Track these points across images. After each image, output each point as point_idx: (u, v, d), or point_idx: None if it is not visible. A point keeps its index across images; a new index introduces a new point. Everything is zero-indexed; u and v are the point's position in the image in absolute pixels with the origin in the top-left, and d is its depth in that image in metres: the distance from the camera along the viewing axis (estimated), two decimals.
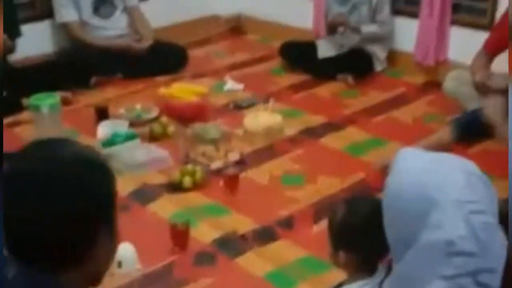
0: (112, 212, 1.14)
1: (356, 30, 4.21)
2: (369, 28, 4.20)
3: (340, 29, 4.30)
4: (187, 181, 3.02)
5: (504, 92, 3.15)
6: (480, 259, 1.22)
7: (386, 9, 4.24)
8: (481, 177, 1.33)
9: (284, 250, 2.60)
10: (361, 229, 1.78)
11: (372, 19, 4.24)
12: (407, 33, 4.27)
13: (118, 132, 3.40)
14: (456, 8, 4.11)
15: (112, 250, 1.17)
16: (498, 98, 2.93)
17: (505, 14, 3.41)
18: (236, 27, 5.20)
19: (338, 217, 1.86)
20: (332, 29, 4.34)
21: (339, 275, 1.96)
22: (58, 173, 1.05)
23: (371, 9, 4.23)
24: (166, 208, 2.90)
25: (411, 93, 4.01)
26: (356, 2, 4.24)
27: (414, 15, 4.23)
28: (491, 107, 2.99)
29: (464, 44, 3.97)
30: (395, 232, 1.35)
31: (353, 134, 3.52)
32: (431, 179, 1.32)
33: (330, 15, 4.35)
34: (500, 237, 1.26)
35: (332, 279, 2.15)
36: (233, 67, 4.50)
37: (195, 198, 2.97)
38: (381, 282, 1.76)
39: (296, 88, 4.15)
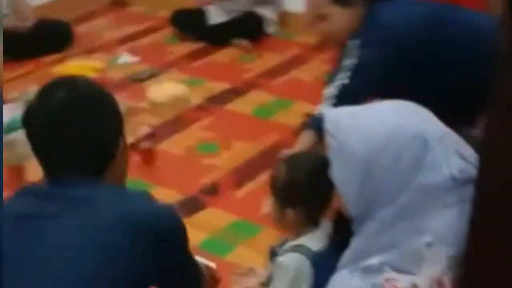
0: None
1: None
2: None
3: None
4: None
5: None
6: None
7: None
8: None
9: (214, 218, 2.61)
10: (306, 184, 1.81)
11: None
12: None
13: (15, 118, 3.22)
14: None
15: (127, 160, 1.49)
16: None
17: None
18: (119, 0, 5.04)
19: (282, 175, 1.88)
20: None
21: (272, 234, 2.02)
22: (92, 97, 1.37)
23: None
24: None
25: (307, 53, 4.09)
26: None
27: None
28: None
29: None
30: (386, 182, 1.37)
31: (258, 97, 3.56)
32: (414, 125, 1.38)
33: None
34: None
35: (266, 240, 2.20)
36: (123, 40, 4.38)
37: None
38: (327, 233, 1.82)
39: (193, 56, 4.11)
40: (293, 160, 1.94)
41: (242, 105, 3.48)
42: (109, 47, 4.25)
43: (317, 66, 3.91)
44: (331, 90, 2.33)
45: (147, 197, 1.39)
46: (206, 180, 2.83)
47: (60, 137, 1.33)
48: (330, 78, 2.40)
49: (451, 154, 1.35)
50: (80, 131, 1.34)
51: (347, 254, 1.47)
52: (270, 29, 4.36)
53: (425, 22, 2.34)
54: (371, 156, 1.36)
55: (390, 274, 1.36)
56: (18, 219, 1.30)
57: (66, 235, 1.27)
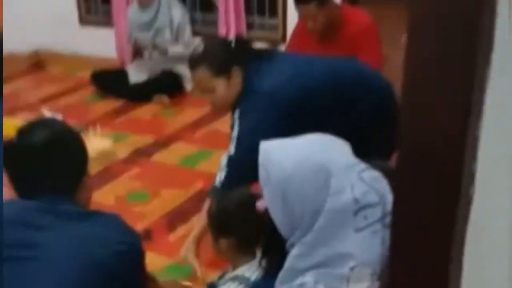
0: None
1: (164, 51, 4.46)
2: (175, 49, 4.48)
3: (146, 53, 4.52)
4: None
5: None
6: (382, 205, 1.49)
7: (187, 31, 4.55)
8: (345, 144, 1.63)
9: (151, 260, 2.74)
10: (234, 213, 2.04)
11: (176, 42, 4.53)
12: None
13: None
14: (250, 25, 4.54)
15: (91, 185, 1.81)
16: None
17: (296, 26, 3.87)
18: (36, 63, 5.16)
19: (214, 209, 2.11)
20: (138, 54, 4.55)
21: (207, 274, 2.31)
22: (64, 140, 1.69)
23: (174, 32, 4.51)
24: None
25: None
26: (159, 26, 4.49)
27: (213, 36, 4.58)
28: None
29: None
30: (300, 207, 1.52)
31: (181, 148, 3.76)
32: (317, 149, 1.57)
33: (134, 41, 4.55)
34: (386, 185, 1.54)
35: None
36: (45, 100, 4.51)
37: None
38: (260, 261, 2.02)
39: (115, 113, 4.29)
40: (223, 195, 2.17)
41: (167, 156, 3.67)
42: (32, 106, 4.36)
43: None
44: (222, 162, 2.60)
45: (117, 222, 1.70)
46: (139, 226, 2.97)
47: (43, 165, 1.64)
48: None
49: (355, 181, 1.49)
50: (57, 162, 1.65)
51: (281, 274, 1.64)
52: (188, 85, 4.61)
53: (300, 81, 2.58)
54: (283, 185, 1.52)
55: None
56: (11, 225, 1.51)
57: (55, 245, 1.51)
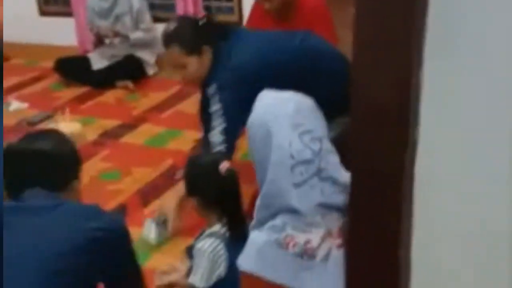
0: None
1: (125, 37, 4.58)
2: (136, 35, 4.60)
3: (107, 40, 4.63)
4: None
5: None
6: (316, 162, 1.70)
7: (147, 17, 4.68)
8: (310, 106, 1.81)
9: None
10: (199, 175, 2.29)
11: (136, 28, 4.65)
12: None
13: None
14: (207, 9, 4.69)
15: (80, 190, 1.97)
16: None
17: (252, 7, 4.04)
18: None
19: (184, 171, 2.34)
20: (99, 41, 4.66)
21: (182, 241, 2.54)
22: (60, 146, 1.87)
23: (134, 18, 4.63)
24: None
25: (186, 89, 4.49)
26: (118, 13, 4.60)
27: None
28: None
29: None
30: (254, 159, 1.76)
31: (148, 130, 3.91)
32: (269, 111, 1.77)
33: (95, 28, 4.65)
34: (327, 145, 1.74)
35: (177, 245, 2.59)
36: (10, 90, 4.58)
37: None
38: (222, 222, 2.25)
39: (80, 99, 4.40)
40: (194, 158, 2.39)
41: (135, 137, 3.81)
42: None
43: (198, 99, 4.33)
44: (216, 138, 2.74)
45: (97, 210, 1.76)
46: (114, 203, 3.13)
47: (35, 166, 1.79)
48: (206, 127, 2.83)
49: (294, 139, 1.68)
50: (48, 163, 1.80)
51: (254, 221, 1.87)
52: (150, 70, 4.74)
53: (264, 56, 2.81)
54: (249, 138, 1.78)
55: (290, 232, 1.75)
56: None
57: (34, 233, 1.60)
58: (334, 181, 1.71)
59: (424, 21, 1.07)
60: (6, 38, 5.12)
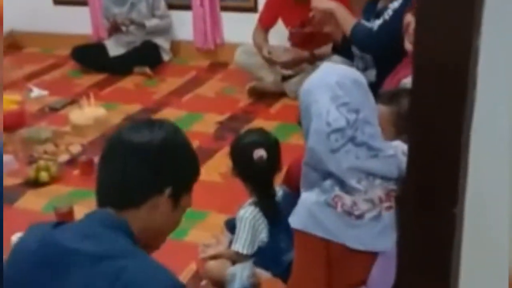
0: (183, 190, 1.45)
1: (141, 25, 4.64)
2: (152, 22, 4.66)
3: (123, 28, 4.68)
4: (43, 175, 3.22)
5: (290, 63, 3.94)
6: (351, 130, 1.80)
7: (162, 4, 4.73)
8: (354, 80, 1.90)
9: None
10: (236, 151, 2.42)
11: (151, 15, 4.71)
12: (184, 24, 4.81)
13: None
14: None
15: (172, 219, 1.45)
16: None
17: None
18: (12, 44, 5.25)
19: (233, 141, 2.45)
20: (115, 29, 4.71)
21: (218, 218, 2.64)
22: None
23: (149, 5, 4.68)
24: (35, 202, 3.08)
25: (202, 74, 4.58)
26: (134, 0, 4.65)
27: (187, 7, 4.78)
28: None
29: (236, 26, 4.64)
30: (303, 125, 1.89)
31: (171, 113, 3.95)
32: (315, 82, 1.89)
33: (111, 17, 4.71)
34: (366, 116, 1.84)
35: (214, 221, 2.68)
36: (29, 77, 4.65)
37: (59, 189, 3.18)
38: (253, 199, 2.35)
39: (99, 85, 4.46)
40: (243, 134, 2.49)
41: None
42: (17, 84, 4.48)
43: (216, 83, 4.42)
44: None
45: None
46: None
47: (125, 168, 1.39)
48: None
49: (332, 108, 1.80)
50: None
51: (302, 185, 1.97)
52: (165, 57, 4.81)
53: None
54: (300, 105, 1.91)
55: (338, 192, 1.85)
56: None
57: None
58: (369, 147, 1.82)
59: None
60: (20, 27, 5.21)
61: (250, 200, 2.40)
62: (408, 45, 2.58)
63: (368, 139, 1.82)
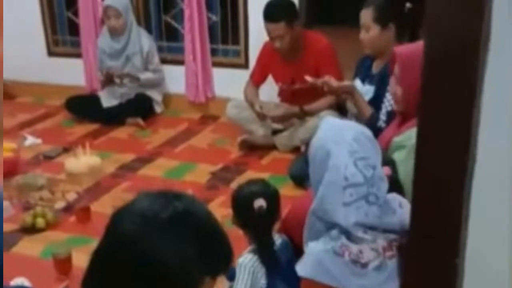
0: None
1: (135, 78, 4.76)
2: (146, 75, 4.80)
3: (117, 80, 4.79)
4: (40, 222, 3.26)
5: (280, 118, 4.06)
6: (366, 187, 1.91)
7: (156, 58, 4.88)
8: (368, 137, 2.03)
9: None
10: (236, 200, 2.49)
11: (145, 69, 4.84)
12: (176, 78, 4.94)
13: None
14: (214, 52, 4.90)
15: None
16: None
17: (263, 47, 4.29)
18: (4, 93, 5.32)
19: (234, 191, 2.52)
20: (109, 81, 4.82)
21: None
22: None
23: (143, 60, 4.82)
24: (31, 248, 3.10)
25: (194, 126, 4.69)
26: (129, 54, 4.79)
27: (180, 62, 4.92)
28: None
29: (227, 81, 4.79)
30: (312, 176, 2.01)
31: (164, 163, 4.05)
32: (331, 136, 2.01)
33: (105, 69, 4.82)
34: (380, 173, 1.96)
35: None
36: (22, 126, 4.71)
37: (56, 235, 3.21)
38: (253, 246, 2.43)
39: (92, 135, 4.54)
40: (244, 184, 2.57)
41: (153, 170, 3.95)
42: (11, 133, 4.54)
43: (207, 135, 4.53)
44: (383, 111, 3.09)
45: None
46: None
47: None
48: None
49: (349, 163, 1.90)
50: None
51: (306, 234, 2.06)
52: (158, 109, 4.92)
53: None
54: (309, 157, 2.03)
55: (345, 241, 1.94)
56: None
57: None
58: (380, 206, 1.92)
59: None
60: (13, 77, 5.30)
61: (249, 248, 2.48)
62: (395, 107, 2.71)
63: (381, 197, 1.93)
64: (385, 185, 1.97)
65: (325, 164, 1.94)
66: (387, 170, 2.05)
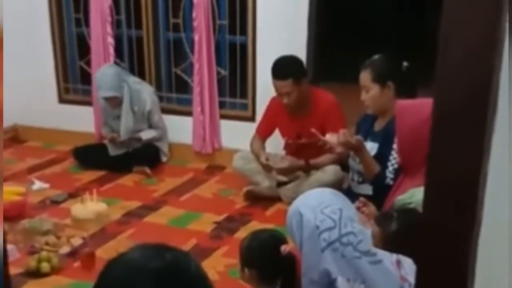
0: None
1: (137, 139, 4.85)
2: (147, 135, 4.87)
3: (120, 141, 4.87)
4: (45, 266, 3.29)
5: (285, 170, 4.14)
6: (338, 229, 2.04)
7: (157, 116, 4.92)
8: (332, 191, 2.26)
9: None
10: (257, 250, 2.47)
11: (147, 126, 4.91)
12: (183, 128, 5.02)
13: None
14: (222, 104, 5.01)
15: None
16: None
17: (270, 101, 4.38)
18: (14, 137, 5.43)
19: (244, 243, 2.53)
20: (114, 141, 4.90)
21: None
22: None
23: (145, 117, 4.87)
24: None
25: (200, 176, 4.75)
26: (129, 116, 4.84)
27: (187, 113, 5.01)
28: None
29: (234, 133, 4.89)
30: (297, 245, 2.17)
31: (169, 211, 4.10)
32: (300, 201, 2.22)
33: (108, 128, 4.95)
34: (349, 214, 2.09)
35: None
36: (30, 170, 4.78)
37: (60, 280, 3.25)
38: None
39: (99, 181, 4.60)
40: (255, 233, 2.59)
41: (158, 218, 4.00)
42: (19, 176, 4.60)
43: (213, 185, 4.58)
44: (390, 169, 3.22)
45: None
46: None
47: None
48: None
49: (317, 214, 2.09)
50: None
51: None
52: (163, 158, 5.00)
53: None
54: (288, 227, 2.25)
55: None
56: None
57: None
58: (355, 248, 2.03)
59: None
60: (24, 122, 5.41)
61: None
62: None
63: (353, 239, 2.05)
64: (358, 226, 2.09)
65: (300, 225, 2.11)
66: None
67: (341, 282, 2.05)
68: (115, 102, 4.76)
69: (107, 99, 4.73)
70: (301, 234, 2.11)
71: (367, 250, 2.04)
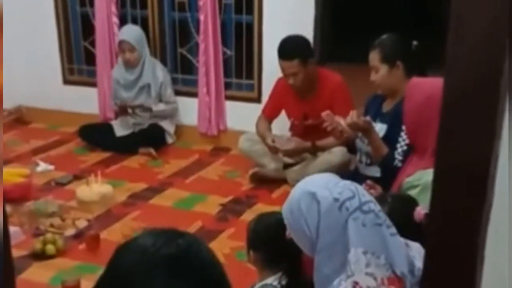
0: None
1: (148, 109, 4.81)
2: (159, 107, 4.84)
3: (130, 110, 4.84)
4: (50, 248, 3.27)
5: (292, 152, 4.10)
6: (357, 198, 1.93)
7: (169, 90, 4.93)
8: (336, 176, 2.07)
9: None
10: (262, 233, 2.43)
11: (159, 100, 4.89)
12: (189, 110, 4.99)
13: None
14: (227, 85, 4.96)
15: None
16: None
17: (277, 82, 4.33)
18: (19, 118, 5.40)
19: (250, 225, 2.48)
20: (123, 111, 4.86)
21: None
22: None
23: (157, 91, 4.86)
24: (41, 274, 3.12)
25: (205, 158, 4.72)
26: (143, 85, 4.84)
27: (193, 94, 4.98)
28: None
29: (239, 114, 4.84)
30: (305, 223, 1.95)
31: (174, 193, 4.07)
32: (305, 182, 2.00)
33: (119, 100, 4.88)
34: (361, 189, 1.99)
35: None
36: (35, 152, 4.75)
37: (65, 263, 3.23)
38: (280, 279, 2.39)
39: (105, 163, 4.57)
40: (261, 216, 2.55)
41: (163, 200, 3.97)
42: (24, 158, 4.59)
43: (218, 167, 4.55)
44: (399, 151, 3.16)
45: None
46: None
47: None
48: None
49: (332, 188, 1.90)
50: None
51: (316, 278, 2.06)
52: (169, 140, 4.96)
53: None
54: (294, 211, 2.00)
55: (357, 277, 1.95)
56: None
57: None
58: (376, 215, 1.94)
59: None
60: (29, 103, 5.37)
61: (260, 283, 2.44)
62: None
63: (375, 207, 1.95)
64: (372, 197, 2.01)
65: (313, 207, 1.93)
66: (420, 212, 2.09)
67: (353, 254, 1.95)
68: (133, 57, 4.76)
69: (126, 48, 4.76)
70: (317, 216, 1.93)
71: (386, 219, 1.96)
